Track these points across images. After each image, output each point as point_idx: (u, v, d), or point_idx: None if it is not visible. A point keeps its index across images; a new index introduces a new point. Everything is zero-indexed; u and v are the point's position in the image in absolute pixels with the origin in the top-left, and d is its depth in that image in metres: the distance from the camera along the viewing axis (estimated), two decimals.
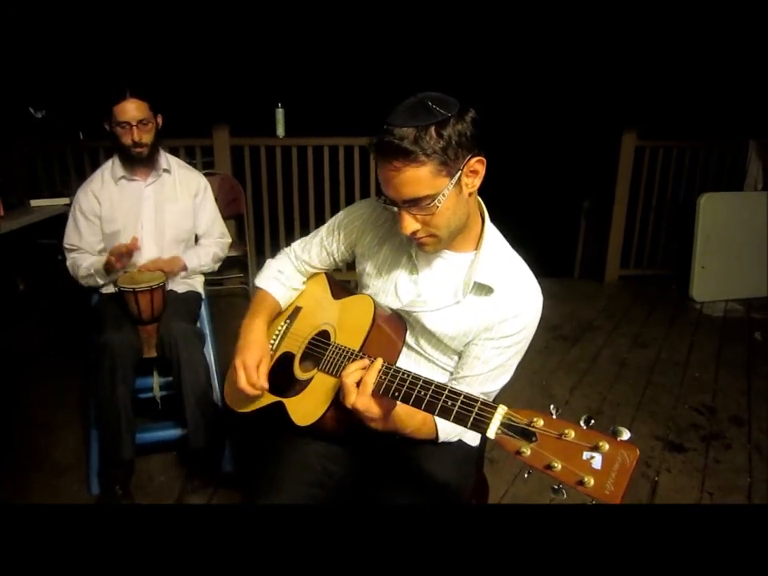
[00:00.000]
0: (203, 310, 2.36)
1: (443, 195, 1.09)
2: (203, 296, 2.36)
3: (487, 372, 1.24)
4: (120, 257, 2.07)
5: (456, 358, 1.31)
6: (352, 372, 1.09)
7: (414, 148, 1.04)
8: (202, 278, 2.39)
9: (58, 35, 4.63)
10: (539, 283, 1.25)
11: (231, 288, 4.01)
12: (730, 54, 4.63)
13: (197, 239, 2.38)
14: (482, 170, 1.13)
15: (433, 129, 1.05)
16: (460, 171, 1.09)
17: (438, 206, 1.09)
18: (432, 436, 1.25)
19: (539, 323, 1.26)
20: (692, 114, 4.67)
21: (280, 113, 3.98)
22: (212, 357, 2.29)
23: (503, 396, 1.29)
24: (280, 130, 4.01)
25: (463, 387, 1.23)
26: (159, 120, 2.17)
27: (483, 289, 1.21)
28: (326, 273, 1.51)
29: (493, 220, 1.29)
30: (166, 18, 4.78)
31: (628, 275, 4.52)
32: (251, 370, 1.30)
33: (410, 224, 1.13)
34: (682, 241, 4.22)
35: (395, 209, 1.14)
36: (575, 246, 4.78)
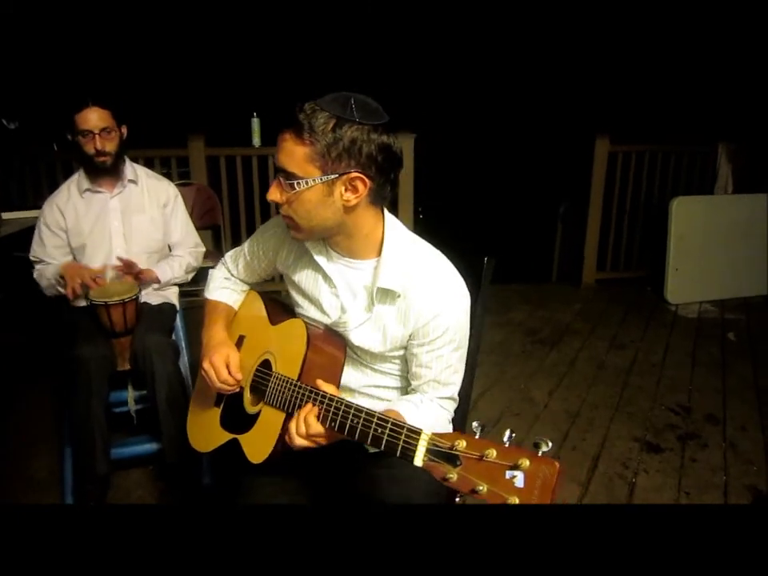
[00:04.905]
0: (178, 322, 2.33)
1: (306, 183, 1.09)
2: (178, 308, 2.33)
3: (436, 376, 1.23)
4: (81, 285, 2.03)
5: (400, 363, 1.29)
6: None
7: (303, 122, 1.06)
8: (176, 290, 2.35)
9: (32, 46, 4.58)
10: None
11: None
12: (697, 59, 4.74)
13: (170, 249, 2.35)
14: (362, 190, 1.10)
15: (333, 121, 1.05)
16: (336, 176, 1.08)
17: (297, 190, 1.10)
18: None
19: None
20: (663, 119, 4.76)
21: (256, 122, 3.97)
22: (187, 369, 2.26)
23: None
24: (256, 140, 4.00)
25: (420, 397, 1.24)
26: (124, 130, 2.15)
27: (388, 294, 1.19)
28: (263, 296, 1.48)
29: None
30: (141, 29, 4.76)
31: (604, 278, 4.57)
32: (220, 368, 1.29)
33: (274, 192, 1.14)
34: (656, 244, 4.28)
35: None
36: (552, 250, 4.83)
